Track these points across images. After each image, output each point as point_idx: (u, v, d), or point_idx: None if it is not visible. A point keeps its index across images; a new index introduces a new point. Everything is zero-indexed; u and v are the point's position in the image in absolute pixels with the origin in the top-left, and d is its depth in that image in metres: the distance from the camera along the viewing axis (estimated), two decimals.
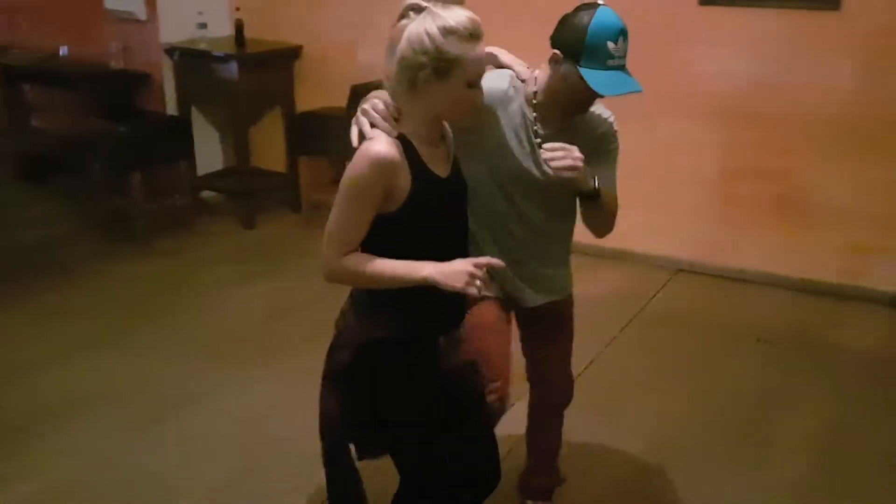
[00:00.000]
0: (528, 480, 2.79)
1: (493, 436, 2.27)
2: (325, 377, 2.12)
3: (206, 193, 5.71)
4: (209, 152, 5.69)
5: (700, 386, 3.67)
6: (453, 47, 1.80)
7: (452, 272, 1.82)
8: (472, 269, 1.82)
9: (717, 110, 4.53)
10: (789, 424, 3.39)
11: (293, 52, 5.49)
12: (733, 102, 4.48)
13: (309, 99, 5.49)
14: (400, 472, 2.19)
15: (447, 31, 1.79)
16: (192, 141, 5.34)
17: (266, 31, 5.50)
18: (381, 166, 1.84)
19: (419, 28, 1.80)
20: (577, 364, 3.14)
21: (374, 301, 2.00)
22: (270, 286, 4.59)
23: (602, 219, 2.35)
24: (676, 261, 4.78)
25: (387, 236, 1.91)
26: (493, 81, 2.17)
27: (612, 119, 2.33)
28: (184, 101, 5.42)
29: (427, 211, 1.91)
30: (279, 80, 5.52)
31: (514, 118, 2.26)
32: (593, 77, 2.09)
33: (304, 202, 5.49)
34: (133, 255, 4.93)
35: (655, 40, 4.58)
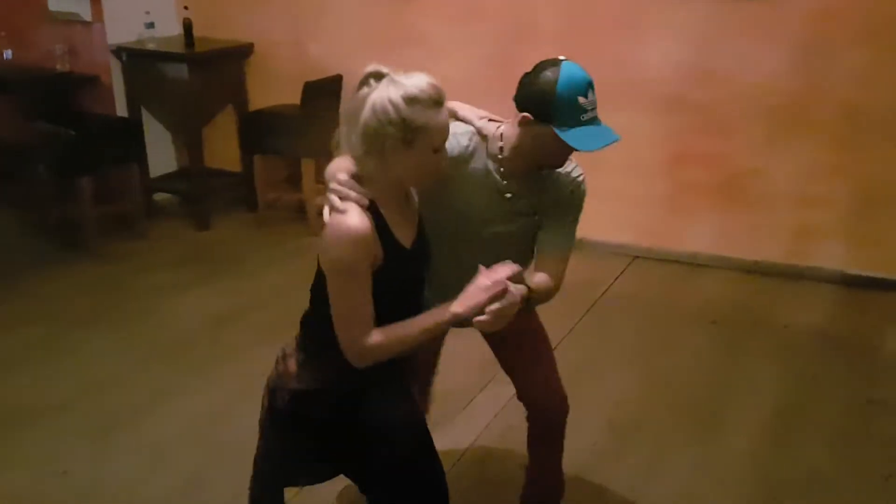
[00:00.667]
0: (531, 492, 2.73)
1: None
2: (266, 411, 2.14)
3: (158, 196, 5.65)
4: (161, 154, 5.63)
5: (657, 369, 3.75)
6: (418, 116, 1.79)
7: (473, 300, 1.86)
8: (485, 289, 1.86)
9: (661, 98, 4.62)
10: (742, 401, 3.49)
11: (244, 50, 5.45)
12: (676, 90, 4.57)
13: (262, 97, 5.47)
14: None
15: (411, 100, 1.78)
16: (144, 143, 5.28)
17: (215, 30, 5.46)
18: (362, 241, 1.81)
19: (382, 97, 1.78)
20: None
21: (318, 352, 2.00)
22: (223, 287, 4.55)
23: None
24: (633, 248, 4.87)
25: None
26: (453, 139, 2.11)
27: (581, 178, 2.27)
28: (133, 103, 5.35)
29: (394, 279, 1.90)
30: (231, 79, 5.48)
31: (476, 175, 2.21)
32: (570, 136, 2.06)
33: (260, 201, 5.46)
34: (82, 262, 4.84)
35: (600, 31, 4.67)
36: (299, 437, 2.07)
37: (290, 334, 4.01)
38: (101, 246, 4.96)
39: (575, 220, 2.30)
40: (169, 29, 5.44)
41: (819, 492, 2.93)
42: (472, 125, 2.26)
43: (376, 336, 1.86)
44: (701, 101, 4.55)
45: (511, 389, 2.87)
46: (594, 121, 2.11)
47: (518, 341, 2.45)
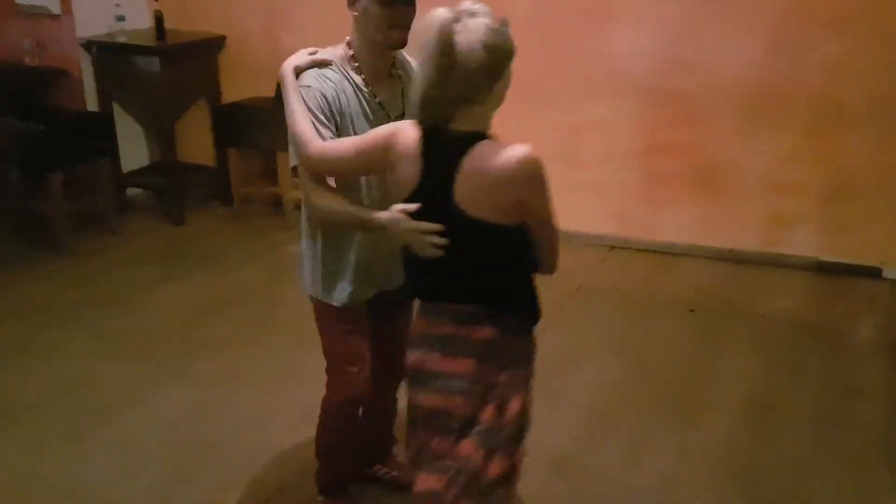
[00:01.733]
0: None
1: None
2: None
3: (131, 191, 5.58)
4: (133, 148, 5.56)
5: (636, 357, 3.77)
6: None
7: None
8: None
9: (636, 89, 4.63)
10: (720, 388, 3.52)
11: (216, 43, 5.39)
12: (650, 81, 4.59)
13: (235, 90, 5.42)
14: None
15: None
16: (115, 137, 5.21)
17: (186, 22, 5.39)
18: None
19: None
20: None
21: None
22: (199, 283, 4.51)
23: None
24: (610, 238, 4.88)
25: None
26: (324, 81, 2.21)
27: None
28: (104, 97, 5.28)
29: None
30: (203, 72, 5.42)
31: (354, 102, 2.24)
32: None
33: (235, 195, 5.42)
34: (54, 259, 4.77)
35: (575, 21, 4.67)
36: None
37: (267, 329, 4.03)
38: (74, 242, 4.89)
39: None
40: (139, 21, 5.36)
41: (797, 477, 2.96)
42: (314, 63, 2.27)
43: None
44: (676, 91, 4.56)
45: None
46: None
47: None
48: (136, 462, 3.04)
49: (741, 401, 3.43)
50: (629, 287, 4.44)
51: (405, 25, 2.19)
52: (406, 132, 1.94)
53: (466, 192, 1.85)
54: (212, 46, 5.40)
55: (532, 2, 4.67)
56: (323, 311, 2.48)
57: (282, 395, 3.44)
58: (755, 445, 3.14)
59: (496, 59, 1.84)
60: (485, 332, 1.95)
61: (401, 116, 2.27)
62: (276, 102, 4.90)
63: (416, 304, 2.11)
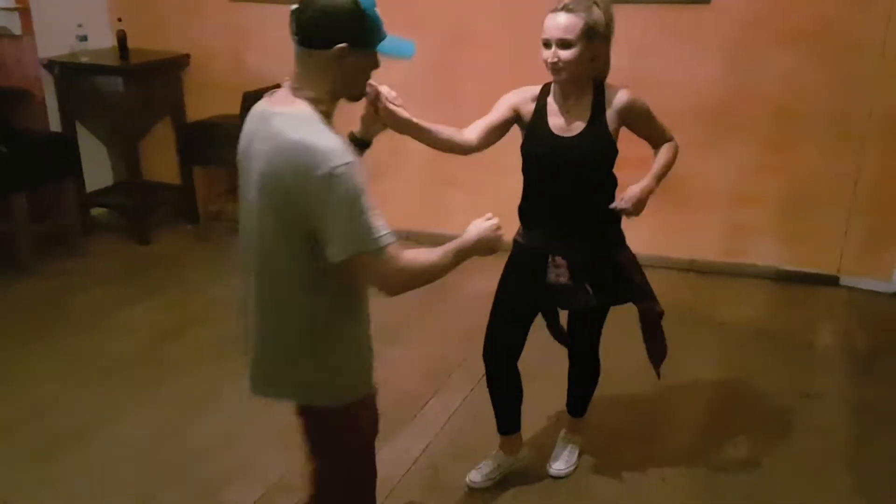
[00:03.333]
0: None
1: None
2: None
3: (95, 211, 5.55)
4: (97, 168, 5.53)
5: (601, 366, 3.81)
6: None
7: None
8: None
9: None
10: (683, 397, 3.59)
11: (180, 62, 5.40)
12: None
13: (200, 108, 5.41)
14: None
15: None
16: (79, 157, 5.17)
17: (149, 41, 5.39)
18: (519, 92, 2.69)
19: None
20: None
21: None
22: (166, 303, 4.49)
23: None
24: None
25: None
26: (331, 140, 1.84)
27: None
28: (67, 117, 5.24)
29: (531, 149, 2.65)
30: (167, 91, 5.42)
31: None
32: (390, 48, 1.97)
33: (201, 213, 5.41)
34: (18, 280, 4.72)
35: (538, 38, 4.73)
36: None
37: (235, 349, 3.99)
38: (38, 264, 4.85)
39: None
40: (102, 41, 5.35)
41: (758, 483, 3.03)
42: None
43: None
44: None
45: (460, 395, 2.91)
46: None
47: None
48: (107, 484, 3.03)
49: (704, 407, 3.50)
50: None
51: None
52: None
53: (612, 124, 2.85)
54: (176, 65, 5.40)
55: (496, 19, 4.75)
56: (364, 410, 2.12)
57: (251, 415, 3.43)
58: (718, 454, 3.21)
59: None
60: None
61: None
62: (242, 119, 4.95)
63: None
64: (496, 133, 2.61)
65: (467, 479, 2.98)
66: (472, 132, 2.57)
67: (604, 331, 4.07)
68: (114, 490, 2.99)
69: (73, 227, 5.11)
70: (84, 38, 5.13)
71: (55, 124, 5.25)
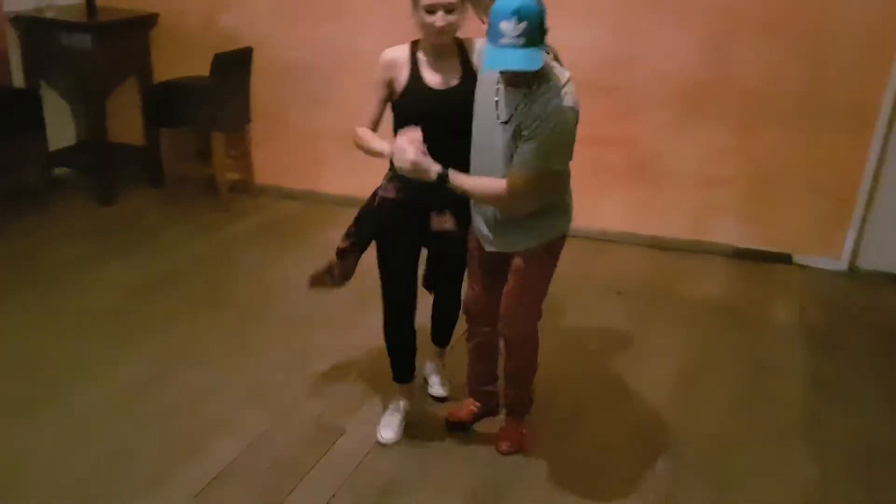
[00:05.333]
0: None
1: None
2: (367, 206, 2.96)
3: (58, 170, 5.46)
4: (61, 126, 5.44)
5: (571, 336, 3.93)
6: None
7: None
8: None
9: (577, 85, 4.77)
10: (650, 366, 3.71)
11: (149, 20, 5.31)
12: (591, 77, 4.71)
13: (168, 68, 5.35)
14: None
15: None
16: (42, 114, 5.08)
17: None
18: (385, 61, 2.72)
19: None
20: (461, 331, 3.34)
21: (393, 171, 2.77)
22: (137, 261, 4.48)
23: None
24: None
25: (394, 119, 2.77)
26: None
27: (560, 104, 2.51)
28: (32, 74, 5.13)
29: (412, 106, 2.69)
30: (134, 50, 5.34)
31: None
32: (488, 54, 2.38)
33: (168, 176, 5.36)
34: None
35: None
36: (379, 231, 2.92)
37: (211, 306, 4.05)
38: (1, 220, 4.77)
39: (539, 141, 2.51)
40: None
41: (720, 450, 3.16)
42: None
43: (358, 129, 2.75)
44: (614, 87, 4.74)
45: None
46: (512, 46, 2.33)
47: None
48: (84, 437, 3.04)
49: (667, 378, 3.63)
50: (564, 271, 4.53)
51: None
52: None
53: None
54: (144, 24, 5.31)
55: None
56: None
57: (229, 369, 3.48)
58: (681, 420, 3.33)
59: None
60: None
61: None
62: (212, 82, 4.91)
63: None
64: (382, 113, 2.82)
65: (381, 438, 3.07)
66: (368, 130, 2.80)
67: (574, 308, 4.20)
68: (93, 443, 3.00)
69: (36, 184, 5.02)
70: None
71: (18, 80, 5.14)
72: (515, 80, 2.50)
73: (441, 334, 3.35)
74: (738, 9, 4.48)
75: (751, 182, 4.75)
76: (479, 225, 2.81)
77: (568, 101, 2.51)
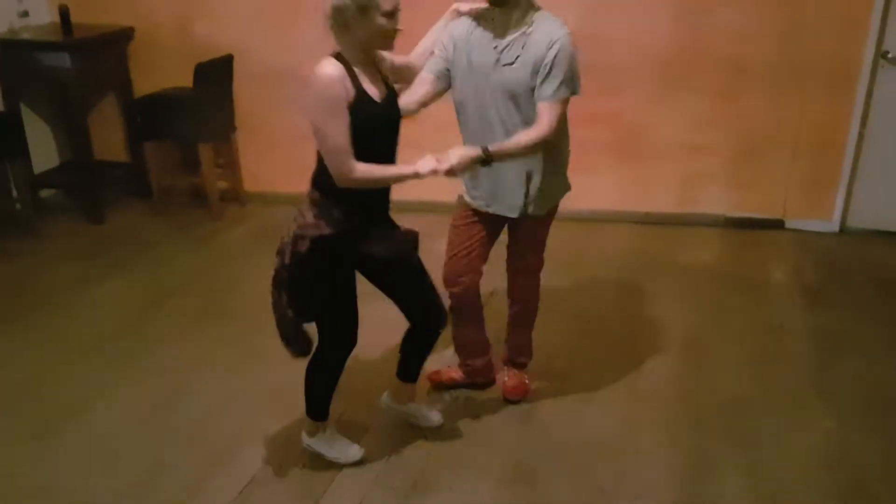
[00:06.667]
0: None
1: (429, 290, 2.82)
2: (286, 264, 2.58)
3: (45, 192, 5.41)
4: (44, 148, 5.39)
5: (576, 316, 3.97)
6: None
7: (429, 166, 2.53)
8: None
9: None
10: (658, 337, 3.77)
11: (125, 35, 5.26)
12: None
13: (147, 82, 5.30)
14: (320, 332, 2.73)
15: None
16: (25, 137, 5.03)
17: (90, 15, 5.23)
18: (338, 79, 2.37)
19: None
20: None
21: (327, 200, 2.52)
22: (130, 278, 4.44)
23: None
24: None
25: None
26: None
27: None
28: (10, 97, 5.06)
29: (364, 121, 2.42)
30: (113, 65, 5.29)
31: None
32: None
33: (155, 189, 5.33)
34: None
35: None
36: (319, 275, 2.58)
37: (214, 316, 4.04)
38: None
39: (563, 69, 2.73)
40: (42, 17, 5.19)
41: (738, 412, 3.23)
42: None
43: (359, 167, 2.43)
44: (593, 63, 4.71)
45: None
46: None
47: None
48: (111, 455, 3.02)
49: (678, 346, 3.69)
50: (561, 253, 4.60)
51: None
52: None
53: None
54: (121, 38, 5.26)
55: None
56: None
57: (244, 377, 3.48)
58: (697, 386, 3.40)
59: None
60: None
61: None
62: (195, 92, 4.88)
63: None
64: None
65: (351, 459, 2.97)
66: None
67: (576, 287, 4.24)
68: (121, 461, 2.99)
69: (24, 208, 4.98)
70: (25, 14, 4.98)
71: None
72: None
73: (417, 363, 3.03)
74: None
75: (736, 149, 4.83)
76: (499, 191, 2.93)
77: (562, 24, 2.75)
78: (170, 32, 5.26)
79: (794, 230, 4.89)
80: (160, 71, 5.27)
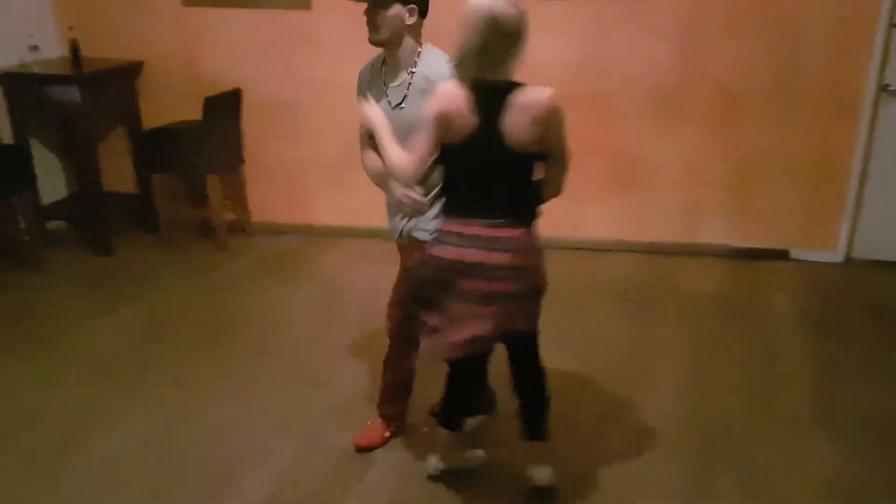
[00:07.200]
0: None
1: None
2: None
3: (52, 223, 5.45)
4: (52, 180, 5.45)
5: (581, 347, 3.96)
6: None
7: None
8: None
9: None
10: (662, 366, 3.77)
11: (134, 69, 5.35)
12: (569, 86, 4.79)
13: (156, 115, 5.37)
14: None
15: None
16: (33, 170, 5.08)
17: (100, 49, 5.33)
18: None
19: None
20: None
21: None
22: (134, 309, 4.44)
23: None
24: (542, 239, 5.09)
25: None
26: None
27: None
28: (20, 129, 5.14)
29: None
30: (122, 99, 5.36)
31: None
32: None
33: (162, 221, 5.37)
34: None
35: None
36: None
37: (218, 347, 4.04)
38: None
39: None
40: (52, 51, 5.28)
41: (739, 439, 3.21)
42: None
43: None
44: (592, 93, 4.83)
45: None
46: None
47: None
48: (114, 483, 3.01)
49: (681, 375, 3.68)
50: (562, 283, 4.63)
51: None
52: (451, 94, 2.48)
53: (512, 128, 2.43)
54: (130, 72, 5.35)
55: (453, 12, 4.81)
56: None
57: (247, 404, 3.48)
58: (700, 414, 3.39)
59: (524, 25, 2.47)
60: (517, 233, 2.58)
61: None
62: (204, 125, 4.95)
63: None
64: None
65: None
66: None
67: (577, 317, 4.23)
68: (125, 488, 2.98)
69: (32, 240, 5.01)
70: (36, 48, 5.05)
71: (6, 136, 5.15)
72: (370, 31, 2.70)
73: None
74: (705, 9, 4.61)
75: (737, 179, 4.86)
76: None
77: (447, 59, 2.69)
78: (179, 66, 5.34)
79: (799, 260, 4.88)
80: (169, 104, 5.34)
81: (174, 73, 5.36)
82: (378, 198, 2.94)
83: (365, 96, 2.81)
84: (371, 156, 2.81)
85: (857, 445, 3.16)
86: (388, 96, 2.77)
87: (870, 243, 4.81)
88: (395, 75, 2.77)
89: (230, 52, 5.22)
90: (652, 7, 4.66)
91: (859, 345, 3.91)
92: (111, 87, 5.28)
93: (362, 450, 3.15)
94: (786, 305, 4.35)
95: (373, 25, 2.70)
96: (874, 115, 4.60)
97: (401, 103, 2.74)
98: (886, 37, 4.48)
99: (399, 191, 2.62)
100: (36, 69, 5.04)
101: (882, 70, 4.53)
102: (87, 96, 4.98)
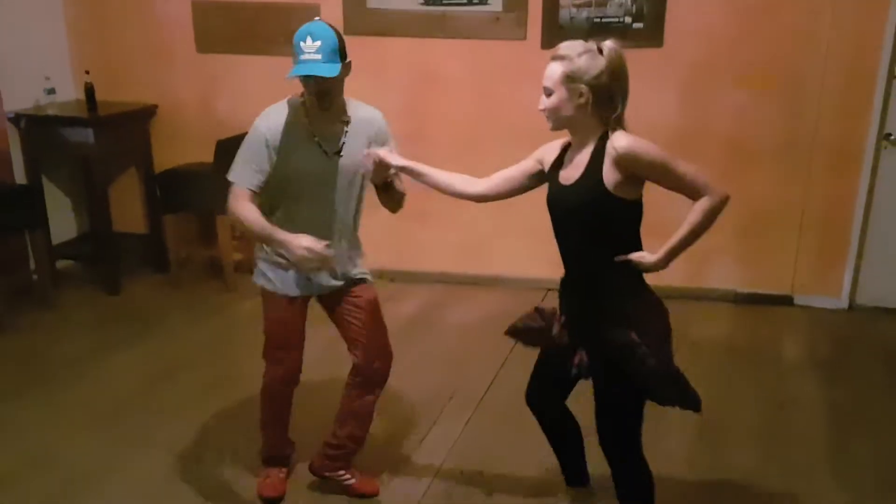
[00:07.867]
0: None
1: None
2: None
3: (62, 262, 5.50)
4: (63, 219, 5.51)
5: (581, 390, 3.96)
6: None
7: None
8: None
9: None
10: (669, 412, 3.74)
11: (148, 112, 5.45)
12: None
13: (168, 157, 5.46)
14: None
15: None
16: (45, 210, 5.15)
17: (116, 93, 5.43)
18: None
19: None
20: (481, 386, 3.37)
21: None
22: (148, 350, 4.47)
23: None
24: (546, 281, 5.10)
25: None
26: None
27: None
28: (33, 170, 5.22)
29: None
30: (135, 141, 5.46)
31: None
32: (294, 69, 2.65)
33: (172, 261, 5.42)
34: None
35: (500, 79, 4.97)
36: None
37: (225, 389, 4.07)
38: (8, 318, 4.76)
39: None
40: (68, 94, 5.37)
41: (748, 488, 3.22)
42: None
43: None
44: None
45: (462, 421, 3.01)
46: (312, 60, 2.62)
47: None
48: None
49: (690, 422, 3.67)
50: None
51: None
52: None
53: (609, 175, 2.45)
54: (144, 115, 5.44)
55: (461, 60, 4.97)
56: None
57: (257, 448, 3.48)
58: (710, 462, 3.40)
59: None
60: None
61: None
62: (215, 167, 5.02)
63: None
64: (512, 182, 2.81)
65: None
66: (483, 181, 2.83)
67: None
68: None
69: (42, 279, 5.06)
70: (52, 91, 5.14)
71: (20, 177, 5.22)
72: (322, 98, 2.72)
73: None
74: (712, 64, 4.71)
75: (743, 226, 4.90)
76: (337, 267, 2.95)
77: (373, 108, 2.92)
78: (192, 110, 5.43)
79: (804, 306, 4.93)
80: (181, 146, 5.43)
81: (187, 116, 5.45)
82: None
83: (271, 149, 2.86)
84: (249, 208, 2.80)
85: (870, 493, 3.18)
86: (321, 146, 2.82)
87: (873, 290, 4.86)
88: (326, 126, 2.83)
89: (242, 96, 5.31)
90: (663, 60, 4.77)
91: (866, 391, 3.94)
92: (125, 129, 5.37)
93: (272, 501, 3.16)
94: (793, 352, 4.38)
95: (333, 95, 2.75)
96: (876, 164, 4.68)
97: (339, 151, 2.83)
98: (887, 86, 4.57)
99: (301, 246, 2.68)
100: (51, 111, 5.13)
101: (883, 119, 4.61)
102: (101, 138, 5.06)
